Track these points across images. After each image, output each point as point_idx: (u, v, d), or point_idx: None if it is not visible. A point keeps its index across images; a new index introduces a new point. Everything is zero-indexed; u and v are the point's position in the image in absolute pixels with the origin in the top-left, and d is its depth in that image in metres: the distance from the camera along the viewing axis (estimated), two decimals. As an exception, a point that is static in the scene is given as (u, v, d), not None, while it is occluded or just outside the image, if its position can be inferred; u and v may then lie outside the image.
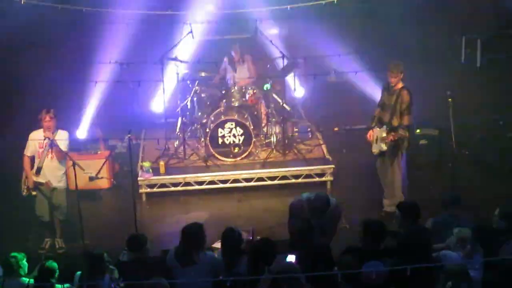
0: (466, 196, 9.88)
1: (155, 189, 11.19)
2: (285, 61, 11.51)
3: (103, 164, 10.47)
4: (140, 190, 11.09)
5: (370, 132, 10.15)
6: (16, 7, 10.13)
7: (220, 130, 11.48)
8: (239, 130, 11.48)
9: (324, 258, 6.90)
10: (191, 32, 11.67)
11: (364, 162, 11.11)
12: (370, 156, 10.34)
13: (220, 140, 11.53)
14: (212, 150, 11.51)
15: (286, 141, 11.88)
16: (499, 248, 7.02)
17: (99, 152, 11.63)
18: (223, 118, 11.52)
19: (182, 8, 12.59)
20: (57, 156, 9.40)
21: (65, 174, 9.64)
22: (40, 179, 9.43)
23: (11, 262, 7.45)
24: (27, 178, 9.44)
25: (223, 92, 11.95)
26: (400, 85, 9.82)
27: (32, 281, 7.34)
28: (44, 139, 9.30)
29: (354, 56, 12.43)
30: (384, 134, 9.85)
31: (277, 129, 11.90)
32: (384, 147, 9.92)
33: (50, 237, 9.76)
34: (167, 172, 11.29)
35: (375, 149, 10.11)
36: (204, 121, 11.93)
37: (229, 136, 11.50)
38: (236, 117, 11.54)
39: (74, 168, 8.96)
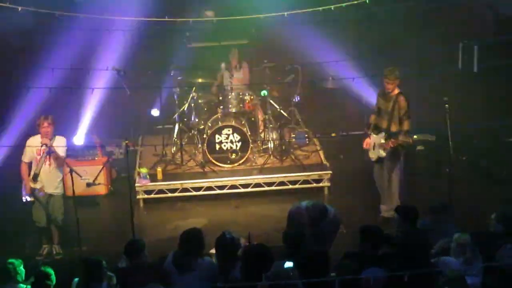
0: (464, 201, 9.93)
1: (152, 195, 11.19)
2: (283, 67, 11.50)
3: (101, 170, 10.48)
4: (138, 196, 11.09)
5: (367, 140, 10.14)
6: (13, 13, 10.13)
7: (217, 136, 11.49)
8: (237, 136, 11.48)
9: (317, 266, 6.89)
10: (188, 38, 11.69)
11: (361, 168, 11.11)
12: (367, 162, 10.35)
13: (217, 146, 11.53)
14: (209, 156, 11.51)
15: (283, 147, 11.89)
16: (496, 252, 7.03)
17: (96, 158, 11.63)
18: (220, 124, 11.53)
19: (180, 15, 12.59)
20: (55, 163, 9.40)
21: (62, 181, 9.64)
22: (37, 186, 9.42)
23: (8, 269, 7.43)
24: (24, 184, 9.43)
25: (220, 98, 11.95)
26: (396, 91, 9.84)
27: (29, 287, 7.33)
28: (42, 146, 9.30)
29: (351, 62, 12.43)
30: (383, 141, 9.85)
31: (274, 135, 11.91)
32: (382, 153, 9.91)
33: (48, 244, 9.75)
34: (165, 178, 11.29)
35: (372, 155, 10.11)
36: (202, 127, 11.93)
37: (227, 142, 11.50)
38: (233, 123, 11.54)
39: (71, 175, 8.95)
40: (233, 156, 11.53)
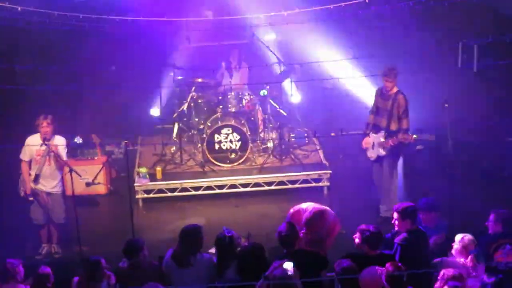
0: (464, 201, 9.92)
1: (152, 195, 11.19)
2: (282, 67, 11.50)
3: (100, 170, 10.47)
4: (137, 196, 11.09)
5: (366, 139, 10.15)
6: (13, 13, 10.12)
7: (217, 135, 11.49)
8: (236, 136, 11.48)
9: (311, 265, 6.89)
10: (188, 38, 11.68)
11: (360, 167, 11.10)
12: (366, 161, 10.35)
13: (217, 146, 11.53)
14: (209, 156, 11.51)
15: (283, 147, 11.89)
16: (494, 253, 7.03)
17: (96, 158, 11.64)
18: (220, 123, 11.53)
19: (179, 14, 12.58)
20: (56, 165, 9.39)
21: (61, 180, 9.63)
22: (38, 187, 9.41)
23: (7, 268, 7.44)
24: (24, 182, 9.41)
25: (220, 98, 11.95)
26: (395, 89, 9.85)
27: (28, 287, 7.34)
28: (41, 145, 9.28)
29: (350, 61, 12.42)
30: (382, 139, 9.86)
31: (273, 134, 11.92)
32: (382, 152, 9.92)
33: (47, 243, 9.74)
34: (164, 178, 11.30)
35: (372, 154, 10.12)
36: (201, 126, 11.93)
37: (226, 142, 11.50)
38: (233, 122, 11.54)
39: (70, 174, 8.95)
40: (233, 155, 11.53)
